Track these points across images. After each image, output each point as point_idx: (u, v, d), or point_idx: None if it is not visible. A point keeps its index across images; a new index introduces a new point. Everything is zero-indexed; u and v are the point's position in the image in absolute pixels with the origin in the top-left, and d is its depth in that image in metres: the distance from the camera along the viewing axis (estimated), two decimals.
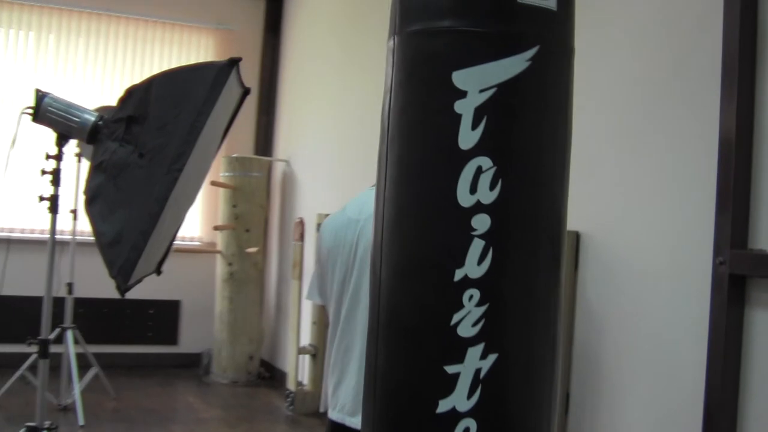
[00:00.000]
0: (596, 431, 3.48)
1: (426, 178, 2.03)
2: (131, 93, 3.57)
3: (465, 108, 1.99)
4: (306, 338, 6.60)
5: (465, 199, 1.99)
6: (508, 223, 2.00)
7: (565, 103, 2.10)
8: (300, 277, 6.66)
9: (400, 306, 2.05)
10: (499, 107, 2.00)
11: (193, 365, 8.41)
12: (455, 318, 1.98)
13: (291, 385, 6.58)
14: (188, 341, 8.52)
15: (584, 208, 3.53)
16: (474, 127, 1.99)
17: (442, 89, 2.01)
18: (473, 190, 1.99)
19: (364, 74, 6.26)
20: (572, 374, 3.59)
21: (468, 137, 1.99)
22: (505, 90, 1.98)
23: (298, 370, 6.59)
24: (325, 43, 7.40)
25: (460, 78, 1.98)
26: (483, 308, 1.98)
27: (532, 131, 2.03)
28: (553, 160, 2.06)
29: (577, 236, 3.62)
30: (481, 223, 1.98)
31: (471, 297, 1.98)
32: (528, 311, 2.02)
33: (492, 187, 1.99)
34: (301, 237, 6.65)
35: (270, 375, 8.20)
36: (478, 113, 1.99)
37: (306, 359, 6.55)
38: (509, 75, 1.98)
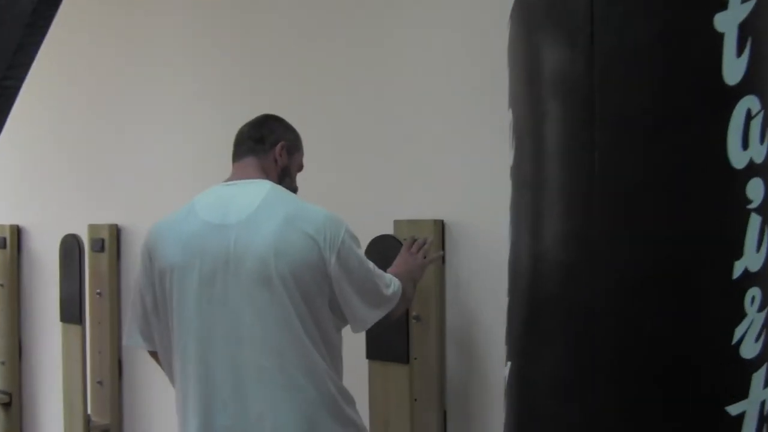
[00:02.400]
0: None
1: (675, 133, 1.33)
2: None
3: (727, 24, 1.34)
4: None
5: (737, 157, 1.34)
6: None
7: None
8: None
9: (639, 335, 1.32)
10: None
11: None
12: (737, 334, 1.33)
13: None
14: None
15: None
16: (739, 52, 1.35)
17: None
18: (745, 144, 1.34)
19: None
20: None
21: (734, 68, 1.34)
22: None
23: None
24: None
25: None
26: (764, 314, 1.36)
27: None
28: None
29: None
30: (756, 191, 1.35)
31: (753, 299, 1.34)
32: None
33: (763, 139, 1.37)
34: None
35: None
36: (743, 32, 1.35)
37: None
38: None
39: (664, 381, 1.28)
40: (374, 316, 2.12)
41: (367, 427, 2.16)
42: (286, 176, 2.17)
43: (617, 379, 1.29)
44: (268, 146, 2.15)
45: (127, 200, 4.01)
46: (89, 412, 3.97)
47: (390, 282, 2.17)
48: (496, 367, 2.66)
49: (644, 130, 1.32)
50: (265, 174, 2.13)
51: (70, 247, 3.92)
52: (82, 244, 3.91)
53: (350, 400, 2.07)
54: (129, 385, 4.01)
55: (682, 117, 1.31)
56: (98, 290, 3.98)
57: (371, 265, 2.10)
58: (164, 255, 2.06)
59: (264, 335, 1.93)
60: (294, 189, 2.22)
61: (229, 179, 2.14)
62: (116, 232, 4.00)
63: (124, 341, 2.26)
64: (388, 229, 2.79)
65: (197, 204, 2.08)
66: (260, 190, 2.04)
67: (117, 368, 4.01)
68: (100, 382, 4.00)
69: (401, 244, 2.58)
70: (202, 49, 3.67)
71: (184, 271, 2.00)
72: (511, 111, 1.55)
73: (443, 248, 2.79)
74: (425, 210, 2.79)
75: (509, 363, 1.46)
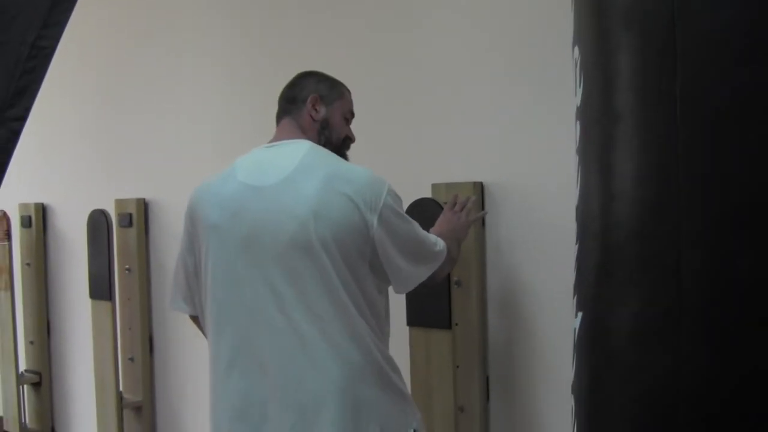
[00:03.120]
0: None
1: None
2: None
3: None
4: (22, 363, 5.04)
5: None
6: None
7: None
8: (10, 287, 5.04)
9: (731, 274, 1.21)
10: None
11: None
12: None
13: (12, 429, 4.97)
14: None
15: None
16: None
17: None
18: None
19: None
20: None
21: None
22: None
23: (21, 407, 5.01)
24: None
25: None
26: None
27: None
28: None
29: None
30: None
31: None
32: None
33: None
34: (7, 235, 5.03)
35: None
36: None
37: (26, 391, 5.00)
38: None
39: (759, 325, 1.19)
40: (419, 273, 2.04)
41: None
42: (325, 129, 2.09)
43: (707, 324, 1.19)
44: (300, 103, 2.08)
45: (154, 174, 3.95)
46: (121, 389, 3.92)
47: (435, 240, 2.10)
48: (539, 331, 2.60)
49: (732, 54, 1.21)
50: (303, 132, 2.05)
51: (98, 222, 3.86)
52: (110, 219, 3.84)
53: (395, 368, 1.98)
54: (160, 361, 3.96)
55: None
56: (127, 266, 3.92)
57: (415, 224, 2.02)
58: (203, 217, 2.00)
59: (304, 299, 1.85)
60: (344, 139, 2.13)
61: (269, 141, 2.08)
62: (144, 206, 3.93)
63: (169, 305, 2.21)
64: (427, 194, 2.71)
65: (237, 166, 2.01)
66: (298, 150, 1.96)
67: (148, 344, 3.96)
68: (131, 359, 3.96)
69: (441, 207, 2.50)
70: (224, 25, 3.60)
71: (222, 234, 1.94)
72: (577, 48, 1.45)
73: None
74: (464, 173, 2.71)
75: (580, 313, 1.37)
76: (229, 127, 3.54)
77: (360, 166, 1.99)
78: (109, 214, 3.85)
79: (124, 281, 3.94)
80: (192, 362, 3.76)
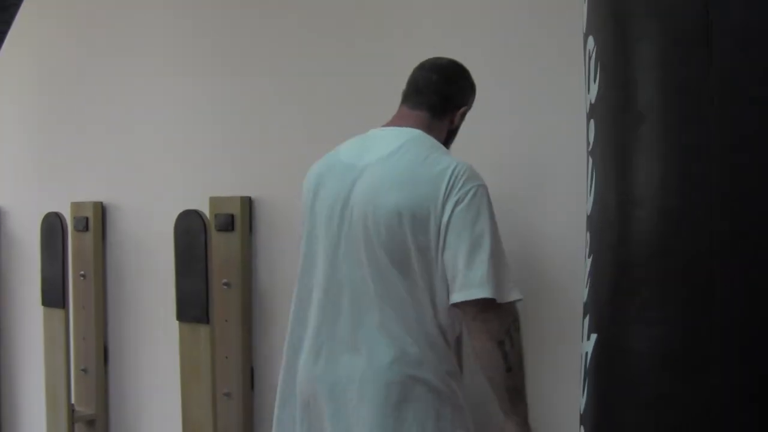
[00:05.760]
0: None
1: None
2: None
3: None
4: None
5: None
6: None
7: None
8: None
9: None
10: None
11: None
12: None
13: None
14: None
15: None
16: None
17: None
18: None
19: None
20: None
21: None
22: None
23: None
24: None
25: None
26: None
27: None
28: None
29: None
30: None
31: None
32: None
33: None
34: None
35: None
36: None
37: None
38: None
39: None
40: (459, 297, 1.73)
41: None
42: (451, 138, 1.95)
43: (745, 347, 1.03)
44: (452, 107, 1.91)
45: (112, 176, 3.72)
46: (73, 401, 3.67)
47: (512, 286, 1.74)
48: None
49: None
50: (430, 131, 1.87)
51: (52, 226, 3.61)
52: (65, 222, 3.59)
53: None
54: (115, 372, 3.72)
55: None
56: (82, 272, 3.67)
57: (499, 243, 1.75)
58: (305, 191, 1.96)
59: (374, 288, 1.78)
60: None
61: (388, 123, 1.92)
62: (101, 209, 3.69)
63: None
64: None
65: (345, 144, 1.96)
66: (404, 135, 1.83)
67: (102, 355, 3.71)
68: (84, 370, 3.70)
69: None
70: (188, 23, 3.40)
71: (313, 209, 1.90)
72: (591, 38, 1.29)
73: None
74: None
75: (594, 335, 1.20)
76: (189, 128, 3.35)
77: (456, 158, 1.82)
78: (64, 218, 3.60)
79: (79, 288, 3.69)
80: (148, 374, 3.53)
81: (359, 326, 1.78)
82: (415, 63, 1.99)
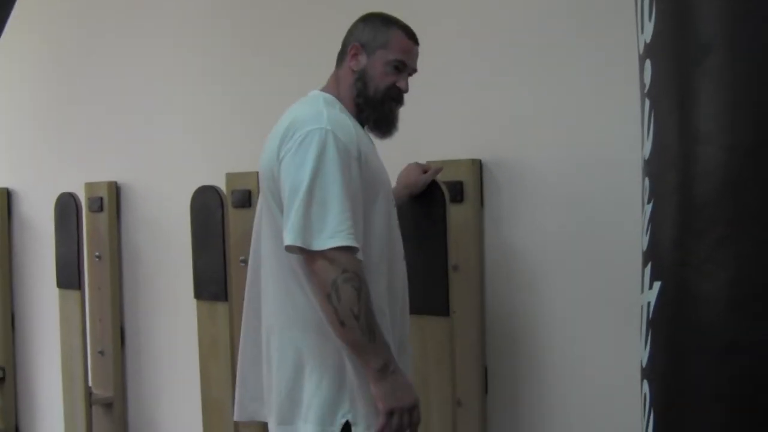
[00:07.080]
0: None
1: None
2: None
3: None
4: None
5: None
6: None
7: None
8: None
9: None
10: None
11: None
12: None
13: None
14: None
15: None
16: None
17: None
18: None
19: None
20: None
21: None
22: None
23: None
24: None
25: None
26: None
27: None
28: None
29: None
30: None
31: None
32: None
33: None
34: None
35: None
36: None
37: None
38: None
39: None
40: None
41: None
42: (359, 80, 1.83)
43: None
44: (344, 54, 1.88)
45: (127, 156, 3.65)
46: (90, 384, 3.61)
47: (332, 234, 1.62)
48: (540, 319, 2.39)
49: None
50: (337, 85, 1.87)
51: (67, 207, 3.54)
52: (80, 203, 3.53)
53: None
54: (132, 354, 3.66)
55: None
56: (97, 253, 3.61)
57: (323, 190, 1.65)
58: None
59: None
60: (385, 90, 1.85)
61: None
62: (116, 189, 3.63)
63: None
64: None
65: None
66: (299, 102, 1.86)
67: (119, 337, 3.65)
68: (101, 352, 3.64)
69: (440, 188, 2.28)
70: (203, 4, 3.33)
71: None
72: None
73: (481, 189, 2.50)
74: (461, 149, 2.49)
75: (657, 283, 1.13)
76: (203, 108, 3.29)
77: (315, 109, 1.78)
78: (78, 198, 3.54)
79: (94, 269, 3.62)
80: (166, 354, 3.47)
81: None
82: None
